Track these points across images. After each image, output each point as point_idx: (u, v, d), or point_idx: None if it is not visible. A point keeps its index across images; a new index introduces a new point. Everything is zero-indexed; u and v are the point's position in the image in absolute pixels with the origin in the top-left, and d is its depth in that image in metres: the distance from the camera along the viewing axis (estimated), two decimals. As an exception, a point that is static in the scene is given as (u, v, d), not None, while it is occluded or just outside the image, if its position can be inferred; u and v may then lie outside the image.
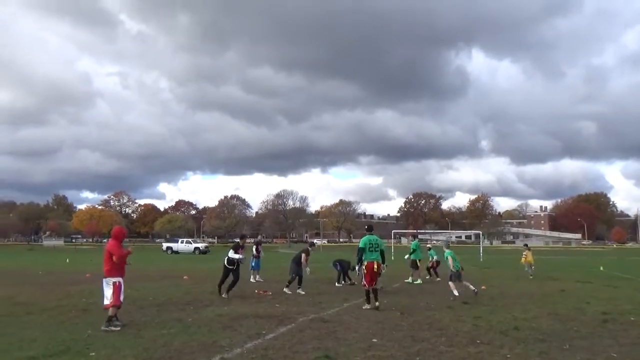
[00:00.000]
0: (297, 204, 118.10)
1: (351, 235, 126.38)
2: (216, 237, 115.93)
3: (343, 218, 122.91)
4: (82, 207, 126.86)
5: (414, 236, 18.50)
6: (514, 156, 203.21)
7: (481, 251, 40.59)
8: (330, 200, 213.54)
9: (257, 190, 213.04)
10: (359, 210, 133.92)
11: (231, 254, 11.70)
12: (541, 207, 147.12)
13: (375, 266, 9.42)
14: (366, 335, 6.99)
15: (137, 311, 9.14)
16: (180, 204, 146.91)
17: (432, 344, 6.43)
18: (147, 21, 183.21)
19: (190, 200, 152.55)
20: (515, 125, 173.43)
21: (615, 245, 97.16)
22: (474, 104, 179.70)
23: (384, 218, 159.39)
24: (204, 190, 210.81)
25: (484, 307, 10.02)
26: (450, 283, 11.68)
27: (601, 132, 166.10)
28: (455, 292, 11.39)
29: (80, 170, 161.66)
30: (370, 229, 9.96)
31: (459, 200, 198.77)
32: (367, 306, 9.55)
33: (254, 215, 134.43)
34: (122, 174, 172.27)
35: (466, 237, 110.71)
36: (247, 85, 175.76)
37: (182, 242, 55.14)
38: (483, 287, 13.98)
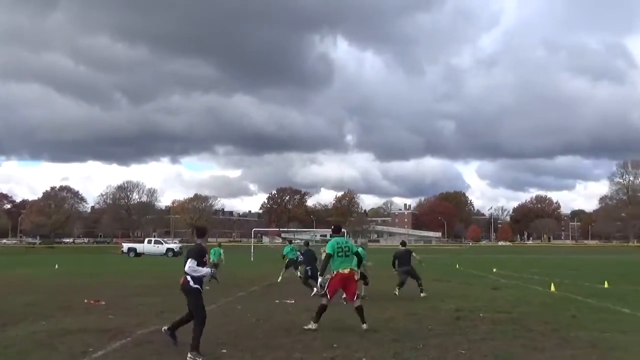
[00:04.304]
0: (144, 198, 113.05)
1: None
2: (38, 237, 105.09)
3: (198, 215, 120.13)
4: None
5: (290, 241, 19.20)
6: (379, 152, 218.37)
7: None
8: (182, 194, 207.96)
9: (92, 181, 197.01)
10: (217, 206, 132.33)
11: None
12: (405, 205, 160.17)
13: (349, 274, 8.35)
14: (216, 346, 6.89)
15: None
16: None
17: (287, 352, 6.57)
18: None
19: (4, 192, 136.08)
20: (379, 120, 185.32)
21: (470, 244, 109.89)
22: (339, 95, 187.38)
23: (244, 215, 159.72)
24: (22, 179, 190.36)
25: (342, 309, 10.54)
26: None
27: (459, 131, 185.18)
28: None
29: None
30: (337, 230, 9.07)
31: (324, 197, 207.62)
32: (311, 325, 8.28)
33: (89, 210, 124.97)
34: None
35: (331, 235, 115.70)
36: (77, 55, 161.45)
37: (149, 242, 50.66)
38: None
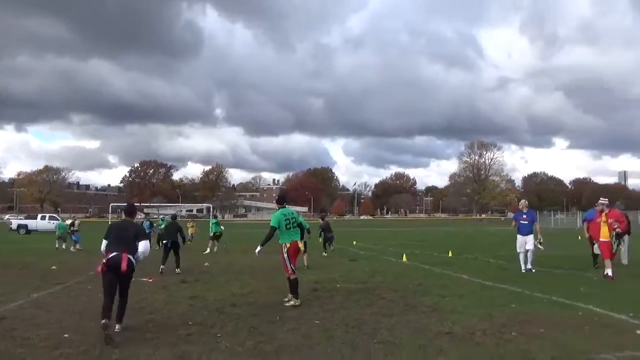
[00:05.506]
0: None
1: (59, 210, 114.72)
2: None
3: (48, 188, 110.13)
4: None
5: (215, 216, 18.90)
6: (248, 127, 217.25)
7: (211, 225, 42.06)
8: (30, 165, 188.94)
9: None
10: (71, 179, 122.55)
11: None
12: (274, 180, 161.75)
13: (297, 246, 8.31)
14: (56, 330, 6.35)
15: None
16: None
17: (138, 332, 6.26)
18: None
19: None
20: (249, 95, 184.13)
21: (335, 218, 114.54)
22: (208, 66, 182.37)
23: (103, 189, 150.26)
24: None
25: (203, 285, 10.37)
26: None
27: (327, 109, 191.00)
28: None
29: None
30: (282, 201, 8.69)
31: (192, 171, 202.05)
32: (293, 302, 8.09)
33: None
34: None
35: (197, 210, 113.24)
36: None
37: (42, 218, 44.11)
38: (206, 264, 14.50)
